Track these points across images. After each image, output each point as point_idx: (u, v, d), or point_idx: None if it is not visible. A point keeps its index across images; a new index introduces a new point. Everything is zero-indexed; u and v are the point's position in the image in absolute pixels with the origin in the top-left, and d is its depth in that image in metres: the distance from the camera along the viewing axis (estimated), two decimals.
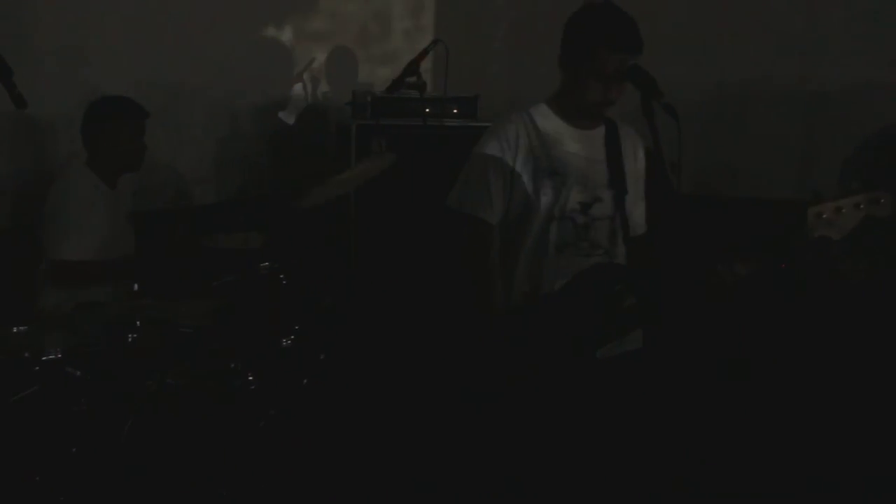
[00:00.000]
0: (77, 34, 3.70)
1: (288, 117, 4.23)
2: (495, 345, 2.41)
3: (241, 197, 4.38)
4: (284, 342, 2.90)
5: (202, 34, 4.08)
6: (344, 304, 3.48)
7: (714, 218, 2.78)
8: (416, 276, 3.81)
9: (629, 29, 2.39)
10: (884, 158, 3.04)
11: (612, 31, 2.38)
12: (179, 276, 3.15)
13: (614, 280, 2.42)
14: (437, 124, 4.06)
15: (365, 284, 3.89)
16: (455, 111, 4.17)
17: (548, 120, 2.51)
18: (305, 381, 2.94)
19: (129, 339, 2.52)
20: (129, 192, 3.50)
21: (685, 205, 2.35)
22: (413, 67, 3.51)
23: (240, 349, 2.80)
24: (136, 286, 2.79)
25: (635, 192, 2.57)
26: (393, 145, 3.98)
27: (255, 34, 4.43)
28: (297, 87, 4.54)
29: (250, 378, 2.77)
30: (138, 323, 2.54)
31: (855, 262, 3.07)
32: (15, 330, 2.55)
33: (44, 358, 2.39)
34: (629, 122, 2.58)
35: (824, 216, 2.22)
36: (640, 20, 2.41)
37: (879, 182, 2.21)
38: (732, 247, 2.29)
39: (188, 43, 4.03)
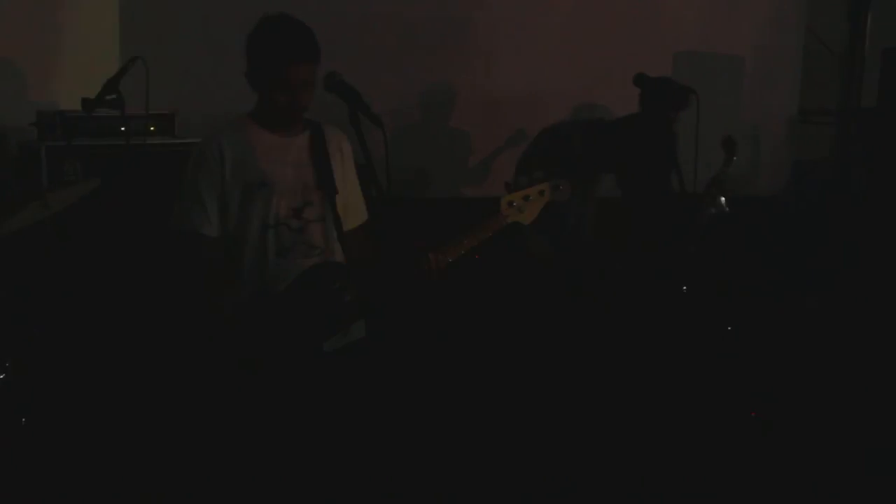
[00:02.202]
0: None
1: None
2: (226, 348, 2.49)
3: None
4: None
5: None
6: (57, 332, 3.31)
7: (420, 217, 3.06)
8: (136, 294, 3.72)
9: (304, 39, 2.53)
10: (552, 151, 3.57)
11: (288, 41, 2.51)
12: None
13: (333, 277, 2.60)
14: (136, 143, 3.98)
15: (78, 309, 3.71)
16: (152, 129, 4.12)
17: (251, 132, 2.62)
18: (24, 419, 2.78)
19: None
20: None
21: (396, 206, 2.59)
22: (112, 86, 3.43)
23: None
24: None
25: (346, 189, 2.72)
26: (88, 166, 3.85)
27: None
28: None
29: None
30: None
31: (539, 242, 3.55)
32: None
33: None
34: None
35: (514, 204, 2.58)
36: (331, 29, 2.58)
37: (553, 171, 2.61)
38: (441, 238, 2.57)
39: None
